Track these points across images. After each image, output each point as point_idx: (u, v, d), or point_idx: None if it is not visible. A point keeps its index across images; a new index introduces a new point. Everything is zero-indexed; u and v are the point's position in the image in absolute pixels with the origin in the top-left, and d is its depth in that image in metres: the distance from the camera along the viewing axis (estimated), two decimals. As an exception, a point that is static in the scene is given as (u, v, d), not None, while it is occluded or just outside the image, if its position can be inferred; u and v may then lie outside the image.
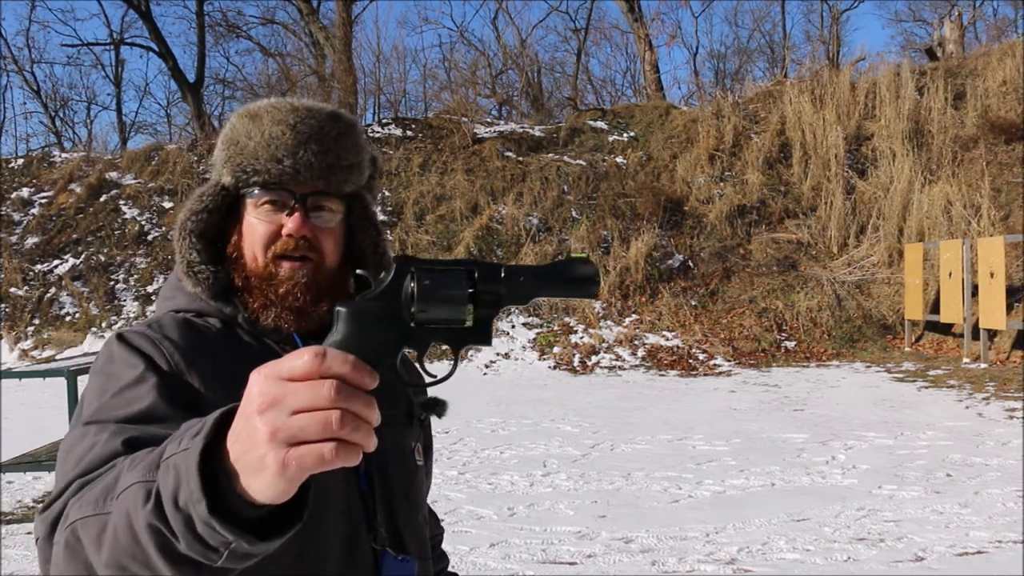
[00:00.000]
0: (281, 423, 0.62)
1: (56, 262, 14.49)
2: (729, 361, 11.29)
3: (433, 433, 1.35)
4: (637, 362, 11.45)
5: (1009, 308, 10.07)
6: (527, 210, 14.31)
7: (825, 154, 14.15)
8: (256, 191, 1.12)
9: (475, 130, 16.44)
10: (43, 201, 15.73)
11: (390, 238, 13.45)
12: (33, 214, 15.44)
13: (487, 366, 11.36)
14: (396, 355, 0.77)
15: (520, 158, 15.59)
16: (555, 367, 11.39)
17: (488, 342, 0.79)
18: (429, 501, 1.30)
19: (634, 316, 12.56)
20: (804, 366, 11.01)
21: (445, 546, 1.42)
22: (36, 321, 13.46)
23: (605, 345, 11.90)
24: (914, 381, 9.57)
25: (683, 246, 13.71)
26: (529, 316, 12.54)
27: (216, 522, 0.65)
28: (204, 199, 1.14)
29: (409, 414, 1.21)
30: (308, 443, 0.62)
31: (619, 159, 15.50)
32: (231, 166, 1.13)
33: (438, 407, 1.22)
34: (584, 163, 15.28)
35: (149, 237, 14.87)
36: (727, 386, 9.80)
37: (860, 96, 14.98)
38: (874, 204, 13.43)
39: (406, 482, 1.18)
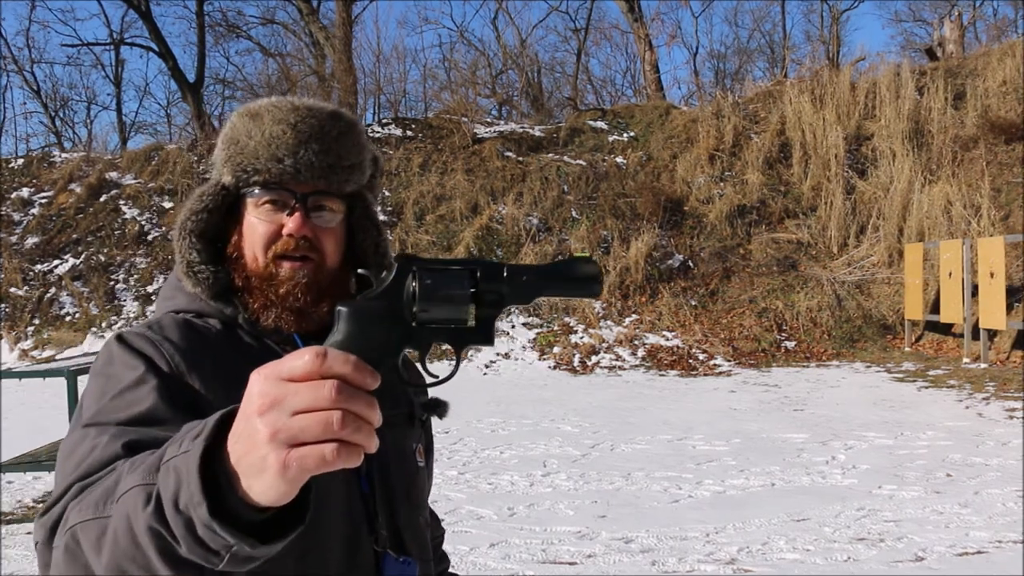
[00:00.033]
0: (282, 424, 0.61)
1: (56, 262, 14.49)
2: (729, 361, 11.29)
3: (433, 433, 1.35)
4: (637, 362, 11.45)
5: (1009, 308, 10.07)
6: (527, 210, 14.31)
7: (825, 154, 14.14)
8: (256, 191, 1.11)
9: (475, 130, 16.44)
10: (43, 201, 15.72)
11: (390, 238, 13.41)
12: (33, 214, 15.44)
13: (487, 366, 11.35)
14: (398, 355, 0.77)
15: (520, 158, 15.59)
16: (555, 367, 11.38)
17: (490, 342, 0.78)
18: (429, 501, 1.29)
19: (634, 316, 12.56)
20: (804, 366, 11.01)
21: (445, 546, 1.42)
22: (36, 321, 13.46)
23: (605, 345, 11.90)
24: (914, 381, 9.57)
25: (683, 246, 13.71)
26: (529, 316, 12.54)
27: (217, 525, 0.65)
28: (204, 199, 1.14)
29: (410, 415, 1.21)
30: (309, 444, 0.61)
31: (619, 159, 15.50)
32: (231, 165, 1.12)
33: (439, 408, 1.21)
34: (584, 163, 15.28)
35: (149, 237, 14.87)
36: (727, 386, 9.80)
37: (860, 96, 14.97)
38: (874, 204, 13.43)
39: (407, 483, 1.17)
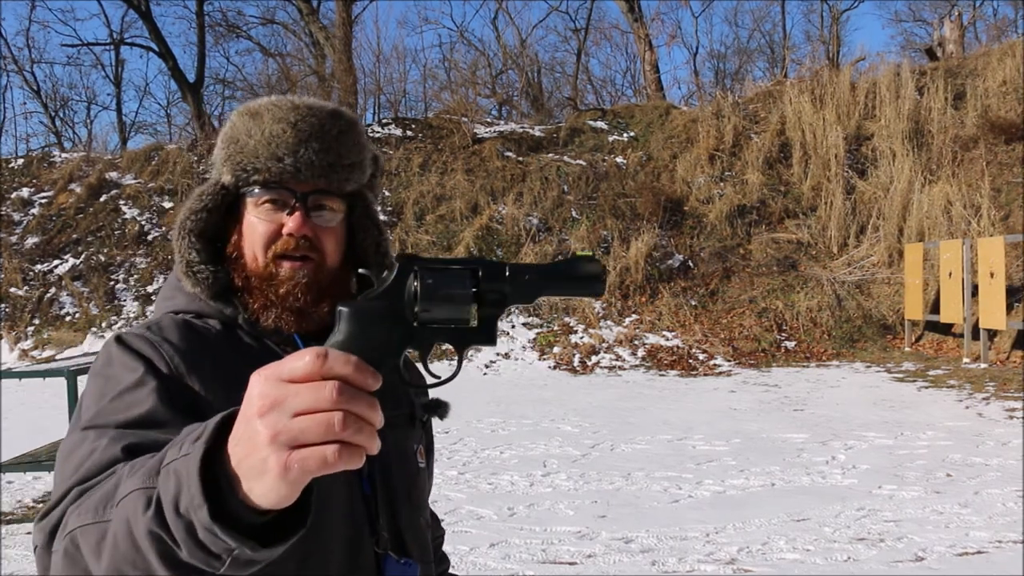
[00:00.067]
0: (282, 425, 0.61)
1: (56, 262, 14.48)
2: (729, 361, 11.28)
3: (434, 434, 1.35)
4: (637, 362, 11.45)
5: (1009, 308, 10.07)
6: (527, 210, 14.31)
7: (825, 154, 14.14)
8: (256, 190, 1.11)
9: (475, 130, 16.43)
10: (43, 201, 15.72)
11: (390, 238, 13.41)
12: (33, 214, 15.43)
13: (487, 366, 11.35)
14: (399, 355, 0.76)
15: (520, 158, 15.59)
16: (555, 367, 11.38)
17: (493, 342, 0.78)
18: (429, 502, 1.29)
19: (634, 316, 12.56)
20: (804, 366, 11.01)
21: (445, 547, 1.42)
22: (36, 321, 13.46)
23: (605, 345, 11.90)
24: (914, 381, 9.56)
25: (683, 246, 13.71)
26: (529, 316, 12.54)
27: (218, 528, 0.64)
28: (204, 198, 1.13)
29: (411, 415, 1.20)
30: (310, 446, 0.61)
31: (619, 159, 15.49)
32: (231, 164, 1.12)
33: (440, 409, 1.20)
34: (584, 163, 15.28)
35: (149, 237, 14.86)
36: (727, 386, 9.80)
37: (860, 96, 14.97)
38: (874, 204, 13.43)
39: (408, 484, 1.16)
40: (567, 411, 8.36)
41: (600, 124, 16.67)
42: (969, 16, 22.73)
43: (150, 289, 13.75)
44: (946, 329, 11.28)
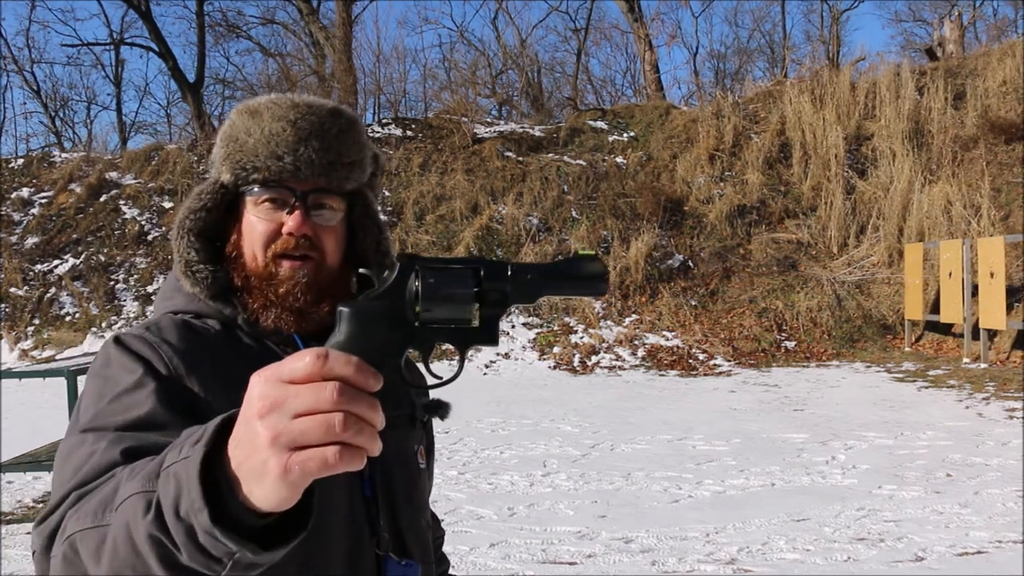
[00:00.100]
0: (283, 427, 0.60)
1: (56, 262, 14.48)
2: (729, 361, 11.28)
3: (434, 434, 1.34)
4: (637, 362, 11.45)
5: (1009, 308, 10.06)
6: (527, 210, 14.31)
7: (825, 154, 14.14)
8: (256, 189, 1.10)
9: (475, 130, 16.43)
10: (43, 201, 15.72)
11: (390, 237, 13.42)
12: (33, 214, 15.43)
13: (487, 366, 11.35)
14: (400, 356, 0.75)
15: (520, 158, 15.59)
16: (555, 367, 11.38)
17: (495, 342, 0.77)
18: (429, 502, 1.29)
19: (634, 316, 12.56)
20: (804, 366, 11.01)
21: (445, 547, 1.41)
22: (36, 321, 13.45)
23: (605, 345, 11.90)
24: (914, 381, 9.56)
25: (683, 246, 13.71)
26: (529, 316, 12.54)
27: (219, 531, 0.64)
28: (203, 197, 1.12)
29: (412, 416, 1.19)
30: (311, 447, 0.60)
31: (619, 159, 15.49)
32: (230, 163, 1.11)
33: (441, 409, 1.20)
34: (584, 163, 15.28)
35: (149, 237, 14.86)
36: (727, 386, 9.79)
37: (860, 96, 14.97)
38: (874, 204, 13.43)
39: (409, 486, 1.16)
40: (567, 411, 8.36)
41: (600, 124, 16.67)
42: (969, 16, 22.74)
43: (150, 289, 13.74)
44: (946, 329, 11.28)
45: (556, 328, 12.29)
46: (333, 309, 0.76)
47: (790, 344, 11.77)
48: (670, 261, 13.44)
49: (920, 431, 6.98)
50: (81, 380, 3.97)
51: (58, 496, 0.86)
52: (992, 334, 10.33)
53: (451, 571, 1.40)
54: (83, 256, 14.50)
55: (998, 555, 4.10)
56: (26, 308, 13.56)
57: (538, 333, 12.21)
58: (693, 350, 11.63)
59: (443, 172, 15.28)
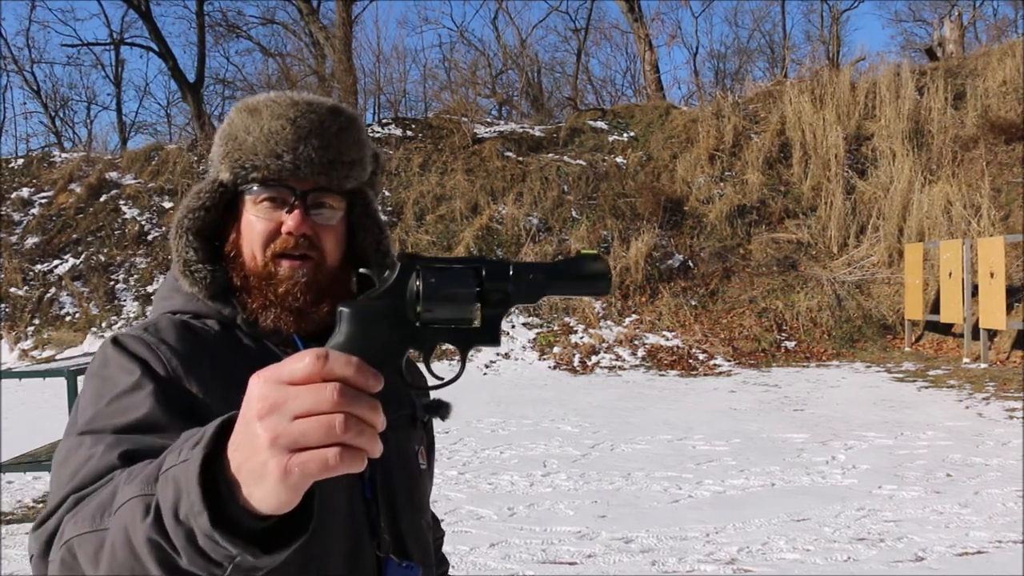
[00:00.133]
0: (282, 428, 0.60)
1: (56, 262, 14.48)
2: (729, 361, 11.28)
3: (434, 434, 1.34)
4: (637, 362, 11.45)
5: (1009, 308, 10.06)
6: (527, 210, 14.30)
7: (825, 154, 14.14)
8: (255, 188, 1.09)
9: (475, 130, 16.43)
10: (43, 201, 15.71)
11: (391, 237, 13.44)
12: (33, 214, 15.43)
13: (487, 366, 11.35)
14: (401, 356, 0.75)
15: (520, 158, 15.58)
16: (555, 367, 11.38)
17: (496, 342, 0.76)
18: (430, 503, 1.28)
19: (634, 316, 12.56)
20: (804, 366, 11.01)
21: (445, 547, 1.41)
22: (36, 321, 13.45)
23: (605, 345, 11.90)
24: (914, 381, 9.56)
25: (683, 246, 13.70)
26: (529, 316, 12.54)
27: (219, 535, 0.63)
28: (202, 196, 1.11)
29: (413, 416, 1.19)
30: (311, 449, 0.60)
31: (619, 159, 15.49)
32: (229, 162, 1.10)
33: (442, 409, 1.19)
34: (584, 163, 15.28)
35: (149, 237, 14.86)
36: (727, 386, 9.79)
37: (860, 96, 14.97)
38: (874, 204, 13.43)
39: (410, 487, 1.15)
40: (567, 411, 8.36)
41: (600, 124, 16.67)
42: (969, 16, 22.74)
43: (150, 289, 13.74)
44: (946, 329, 11.28)
45: (556, 328, 12.28)
46: (333, 309, 0.75)
47: (790, 344, 11.76)
48: (670, 261, 13.43)
49: (920, 431, 6.98)
50: (81, 380, 3.97)
51: (56, 500, 0.85)
52: (992, 334, 10.33)
53: (451, 571, 1.40)
54: (83, 256, 14.50)
55: (998, 555, 4.10)
56: (26, 308, 13.56)
57: (538, 333, 12.21)
58: (693, 350, 11.63)
59: (443, 172, 15.28)
